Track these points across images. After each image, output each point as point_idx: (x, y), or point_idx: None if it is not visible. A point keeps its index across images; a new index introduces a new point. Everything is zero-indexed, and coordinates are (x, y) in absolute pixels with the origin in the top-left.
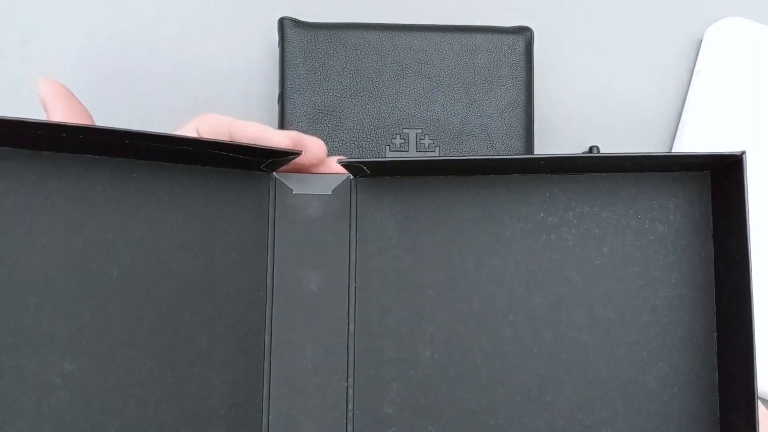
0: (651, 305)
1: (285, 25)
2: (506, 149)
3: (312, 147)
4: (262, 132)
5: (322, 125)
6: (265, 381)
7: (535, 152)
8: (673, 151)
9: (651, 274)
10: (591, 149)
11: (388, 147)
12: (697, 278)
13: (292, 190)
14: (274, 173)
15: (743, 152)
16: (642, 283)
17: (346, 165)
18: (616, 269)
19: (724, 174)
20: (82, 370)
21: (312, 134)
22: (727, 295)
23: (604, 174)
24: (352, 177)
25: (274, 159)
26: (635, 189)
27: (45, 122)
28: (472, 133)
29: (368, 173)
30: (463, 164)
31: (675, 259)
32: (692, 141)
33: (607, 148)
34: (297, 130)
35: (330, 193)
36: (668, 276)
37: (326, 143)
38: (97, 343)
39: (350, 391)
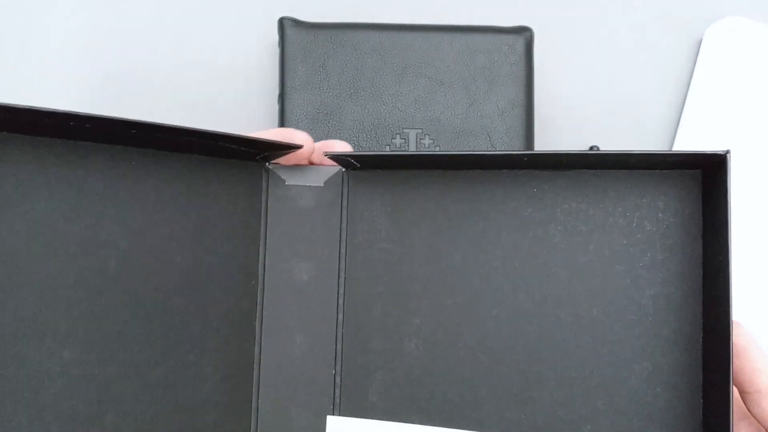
0: (636, 304)
1: (285, 25)
2: (506, 149)
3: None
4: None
5: (322, 125)
6: (256, 368)
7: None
8: (672, 150)
9: (637, 272)
10: (591, 149)
11: (388, 147)
12: (685, 278)
13: (284, 181)
14: (268, 164)
15: (728, 151)
16: (628, 281)
17: (334, 158)
18: (602, 267)
19: (713, 173)
20: (80, 359)
21: (312, 134)
22: (711, 296)
23: (593, 170)
24: (344, 169)
25: (271, 152)
26: (624, 186)
27: (54, 111)
28: (472, 132)
29: (358, 166)
30: (447, 159)
31: (663, 258)
32: (692, 140)
33: (608, 147)
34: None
35: (322, 185)
36: (655, 275)
37: None
38: (94, 332)
39: (337, 379)
